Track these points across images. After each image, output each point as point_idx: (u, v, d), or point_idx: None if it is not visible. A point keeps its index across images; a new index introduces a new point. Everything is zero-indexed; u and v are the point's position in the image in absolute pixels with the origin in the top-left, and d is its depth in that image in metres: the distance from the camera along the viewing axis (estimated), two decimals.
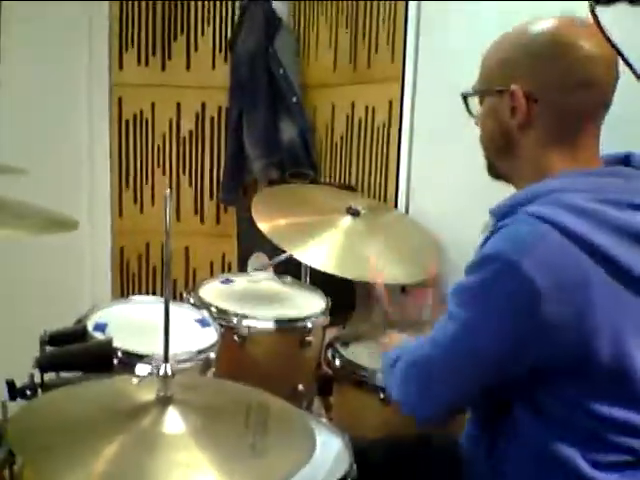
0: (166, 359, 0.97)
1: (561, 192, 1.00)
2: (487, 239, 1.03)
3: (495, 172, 1.16)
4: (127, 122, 2.67)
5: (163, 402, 0.95)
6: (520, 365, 1.00)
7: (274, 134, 2.52)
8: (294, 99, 2.50)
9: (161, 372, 0.96)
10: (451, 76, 1.93)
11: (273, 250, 1.92)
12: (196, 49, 2.65)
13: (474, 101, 1.14)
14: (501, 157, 1.12)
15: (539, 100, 1.03)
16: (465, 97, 1.14)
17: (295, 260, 1.77)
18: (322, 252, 1.73)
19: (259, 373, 1.54)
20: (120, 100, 2.65)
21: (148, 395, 0.97)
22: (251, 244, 2.23)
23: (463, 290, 1.03)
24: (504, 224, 1.00)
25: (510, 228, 0.99)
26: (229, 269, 2.66)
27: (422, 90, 2.11)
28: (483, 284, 0.98)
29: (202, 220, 2.72)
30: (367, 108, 2.32)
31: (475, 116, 1.14)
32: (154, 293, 2.65)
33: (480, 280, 0.99)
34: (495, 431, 1.08)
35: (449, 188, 1.99)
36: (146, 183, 2.70)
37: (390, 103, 2.21)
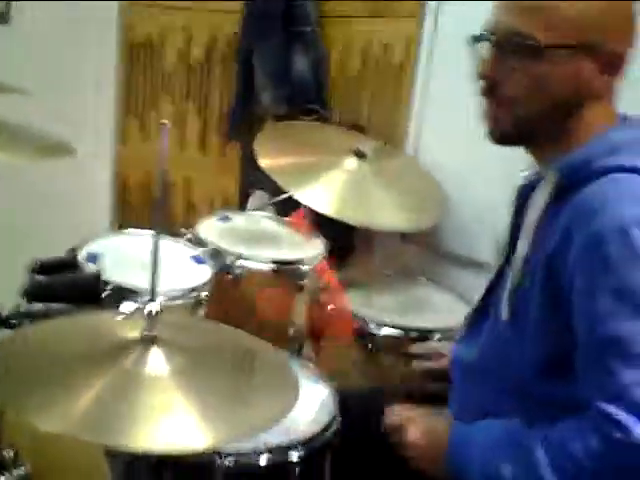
0: (152, 297, 0.95)
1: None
2: (558, 206, 0.92)
3: (516, 133, 1.01)
4: (136, 46, 2.58)
5: (147, 341, 0.93)
6: None
7: (285, 65, 2.43)
8: (308, 29, 2.40)
9: (147, 310, 0.94)
10: (476, 17, 1.83)
11: (275, 189, 1.88)
12: None
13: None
14: (549, 117, 0.97)
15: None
16: (523, 45, 0.94)
17: (296, 201, 1.73)
18: (324, 194, 1.69)
19: (251, 314, 1.53)
20: (129, 24, 2.56)
21: (133, 333, 0.95)
22: (252, 181, 2.19)
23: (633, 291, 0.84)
24: (597, 187, 0.89)
25: (622, 189, 0.88)
26: (229, 206, 2.62)
27: (443, 30, 2.01)
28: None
29: (205, 153, 2.66)
30: (384, 45, 2.22)
31: (510, 65, 0.96)
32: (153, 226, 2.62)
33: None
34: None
35: (461, 137, 1.91)
36: (152, 111, 2.63)
37: (408, 41, 2.12)
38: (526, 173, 1.08)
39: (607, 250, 0.85)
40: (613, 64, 0.94)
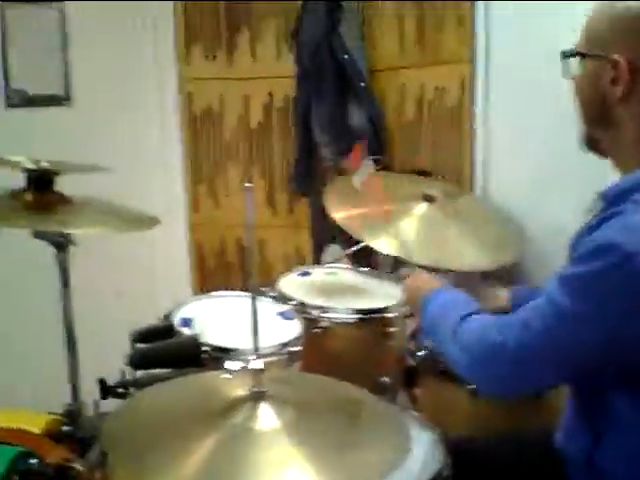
0: (257, 353, 0.97)
1: None
2: (596, 225, 0.98)
3: (590, 144, 1.11)
4: (196, 117, 2.70)
5: (256, 397, 0.94)
6: (626, 356, 0.96)
7: (343, 121, 2.49)
8: (362, 84, 2.46)
9: (252, 366, 0.95)
10: (526, 53, 1.86)
11: (347, 240, 1.90)
12: (260, 40, 2.64)
13: (573, 62, 1.08)
14: (597, 127, 1.08)
15: None
16: (565, 57, 1.08)
17: (372, 250, 1.75)
18: (399, 240, 1.70)
19: (342, 366, 1.53)
20: (189, 95, 2.68)
21: (239, 391, 0.97)
22: (325, 234, 2.22)
23: (571, 279, 0.98)
24: (617, 211, 0.96)
25: (625, 217, 0.94)
26: (303, 261, 2.64)
27: (496, 68, 2.04)
28: (595, 276, 0.94)
29: (275, 213, 2.72)
30: (437, 89, 2.26)
31: (572, 79, 1.09)
32: (231, 289, 2.67)
33: (592, 271, 0.94)
34: (595, 423, 1.04)
35: (530, 170, 1.91)
36: (219, 177, 2.72)
37: (462, 83, 2.15)
38: None
39: (586, 252, 0.96)
40: (623, 75, 0.99)
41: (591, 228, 0.99)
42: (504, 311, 1.43)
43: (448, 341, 1.13)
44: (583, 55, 1.06)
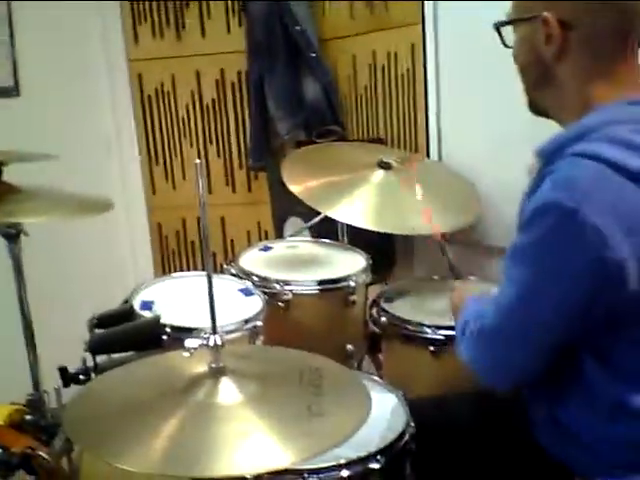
0: (214, 330, 0.97)
1: (607, 125, 0.95)
2: (535, 186, 0.97)
3: (535, 107, 1.11)
4: (149, 97, 2.65)
5: (216, 373, 0.95)
6: (591, 316, 0.94)
7: (296, 93, 2.48)
8: (313, 54, 2.44)
9: (211, 343, 0.96)
10: (476, 14, 1.85)
11: (308, 213, 1.90)
12: (209, 15, 2.60)
13: (508, 31, 1.09)
14: (539, 89, 1.08)
15: (574, 27, 0.99)
16: (498, 27, 1.09)
17: (331, 221, 1.75)
18: (357, 209, 1.70)
19: (306, 337, 1.54)
20: (140, 76, 2.63)
21: (200, 368, 0.97)
22: (285, 209, 2.21)
23: (520, 250, 0.96)
24: (552, 169, 0.95)
25: (561, 173, 0.93)
26: (266, 236, 2.65)
27: (445, 30, 2.03)
28: (541, 241, 0.92)
29: (234, 190, 2.70)
30: (389, 55, 2.25)
31: (510, 47, 1.09)
32: (195, 268, 2.66)
33: (537, 237, 0.93)
34: (559, 381, 1.04)
35: (483, 131, 1.92)
36: (175, 157, 2.69)
37: (412, 47, 2.14)
38: None
39: (526, 219, 0.95)
40: (554, 31, 1.00)
41: (531, 192, 0.98)
42: None
43: (460, 342, 1.12)
44: (514, 21, 1.07)
